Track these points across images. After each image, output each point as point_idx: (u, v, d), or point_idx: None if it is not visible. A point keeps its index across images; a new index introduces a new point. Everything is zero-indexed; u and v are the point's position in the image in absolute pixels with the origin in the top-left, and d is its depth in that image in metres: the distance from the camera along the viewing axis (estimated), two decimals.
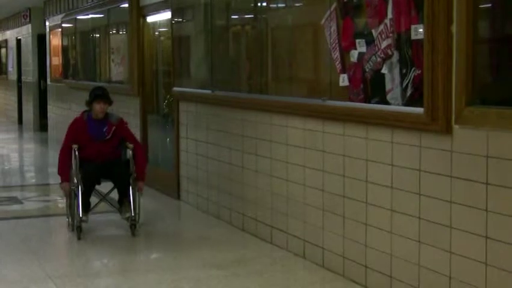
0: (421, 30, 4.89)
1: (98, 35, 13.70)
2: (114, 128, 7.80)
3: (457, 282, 4.74)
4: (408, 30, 5.04)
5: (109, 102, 7.88)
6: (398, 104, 5.19)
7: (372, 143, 5.53)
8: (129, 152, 7.78)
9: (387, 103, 5.30)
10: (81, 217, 7.46)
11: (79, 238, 7.39)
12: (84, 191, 7.59)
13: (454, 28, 4.61)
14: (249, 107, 7.39)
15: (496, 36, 4.80)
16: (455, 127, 4.67)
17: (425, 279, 5.05)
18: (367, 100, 5.57)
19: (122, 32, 12.20)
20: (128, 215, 7.65)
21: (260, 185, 7.25)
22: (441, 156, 4.80)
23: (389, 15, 5.22)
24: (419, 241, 5.07)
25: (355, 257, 5.80)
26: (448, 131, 4.71)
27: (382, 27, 5.31)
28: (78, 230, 7.44)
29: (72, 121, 8.08)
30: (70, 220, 7.87)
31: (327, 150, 6.08)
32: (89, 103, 7.88)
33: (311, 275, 6.12)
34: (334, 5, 5.92)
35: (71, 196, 7.75)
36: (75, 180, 7.59)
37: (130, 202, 7.65)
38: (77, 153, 7.64)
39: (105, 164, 7.65)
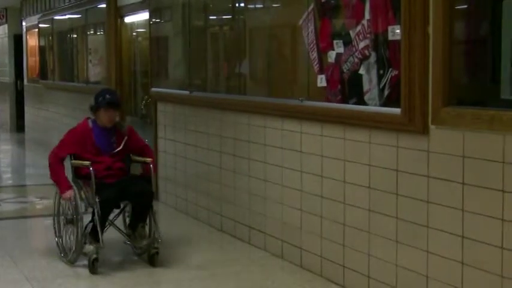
0: (398, 31, 4.92)
1: (76, 36, 13.65)
2: (125, 138, 6.56)
3: (434, 282, 4.77)
4: (385, 31, 5.07)
5: (120, 109, 6.78)
6: (375, 105, 5.22)
7: (349, 143, 5.55)
8: (151, 167, 6.59)
9: (365, 104, 5.33)
10: (100, 246, 6.24)
11: (94, 272, 6.23)
12: (101, 220, 6.28)
13: (430, 29, 4.64)
14: (227, 107, 7.39)
15: (472, 38, 4.84)
16: (432, 127, 4.70)
17: (402, 278, 5.07)
18: (344, 101, 5.59)
19: (100, 32, 12.16)
20: (145, 242, 6.41)
21: (238, 185, 7.25)
22: (418, 157, 4.83)
23: (367, 16, 5.25)
24: (396, 241, 5.10)
25: (333, 257, 5.82)
26: (424, 131, 4.74)
27: (359, 28, 5.33)
28: (94, 262, 6.23)
29: (74, 128, 6.71)
30: (63, 245, 6.70)
31: (305, 150, 6.10)
32: (95, 109, 6.54)
33: (289, 276, 6.13)
34: (312, 6, 5.94)
35: (76, 221, 6.40)
36: (94, 207, 6.28)
37: (146, 226, 6.51)
38: (93, 172, 6.26)
39: (122, 184, 6.37)
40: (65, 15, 13.82)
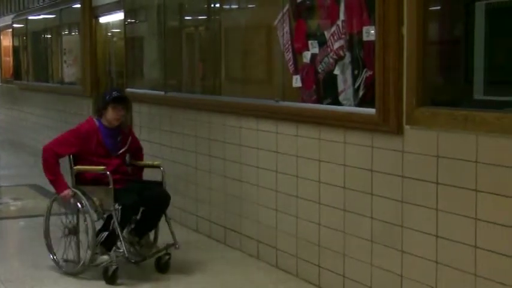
0: (372, 31, 4.94)
1: (50, 36, 13.58)
2: (130, 138, 6.33)
3: (409, 281, 4.79)
4: (360, 31, 5.09)
5: (127, 107, 6.30)
6: (350, 105, 5.24)
7: (324, 143, 5.56)
8: (161, 172, 6.27)
9: (340, 104, 5.35)
10: (125, 254, 5.87)
11: (113, 283, 5.91)
12: (122, 228, 5.90)
13: (404, 30, 4.67)
14: (202, 108, 7.39)
15: (446, 38, 4.88)
16: (407, 127, 4.72)
17: (377, 278, 5.10)
18: (319, 101, 5.61)
19: (74, 32, 12.10)
20: (154, 250, 6.13)
21: (214, 185, 7.25)
22: (393, 157, 4.85)
23: (342, 16, 5.27)
24: (371, 241, 5.12)
25: (308, 257, 5.83)
26: (399, 131, 4.77)
27: (334, 28, 5.35)
28: (115, 272, 5.90)
29: (78, 126, 6.26)
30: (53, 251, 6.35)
31: (280, 150, 6.10)
32: (103, 107, 6.16)
33: (265, 276, 6.13)
34: (287, 7, 5.95)
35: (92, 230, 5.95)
36: (113, 214, 5.83)
37: (154, 233, 6.23)
38: (110, 177, 5.85)
39: (137, 188, 6.06)
40: (39, 15, 13.74)
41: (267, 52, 6.62)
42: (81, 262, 6.05)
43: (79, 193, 6.02)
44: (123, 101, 6.19)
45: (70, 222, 6.23)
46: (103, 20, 10.78)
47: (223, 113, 6.99)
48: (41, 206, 9.06)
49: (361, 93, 5.12)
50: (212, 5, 7.66)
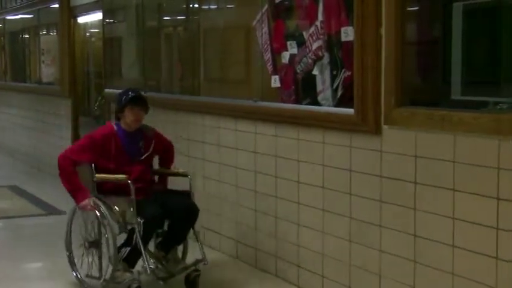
0: (351, 32, 4.95)
1: (28, 36, 13.51)
2: (153, 142, 5.78)
3: (387, 280, 4.81)
4: (338, 32, 5.11)
5: (147, 108, 5.75)
6: (329, 105, 5.25)
7: (303, 143, 5.57)
8: (189, 181, 5.76)
9: (318, 104, 5.36)
10: (148, 272, 5.36)
11: None
12: (144, 243, 5.39)
13: (382, 30, 4.69)
14: (181, 108, 7.38)
15: (424, 39, 4.91)
16: (385, 128, 4.74)
17: (356, 277, 5.11)
18: (298, 101, 5.62)
19: (53, 32, 12.05)
20: (180, 266, 5.61)
21: (193, 186, 7.23)
22: (371, 156, 4.87)
23: (320, 17, 5.28)
24: (350, 240, 5.13)
25: (287, 257, 5.84)
26: (377, 131, 4.79)
27: (313, 29, 5.37)
28: None
29: (94, 132, 5.78)
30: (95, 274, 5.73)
31: (259, 151, 6.11)
32: (121, 109, 5.66)
33: (244, 276, 6.14)
34: (265, 7, 5.96)
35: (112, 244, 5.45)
36: (136, 228, 5.31)
37: (182, 248, 5.74)
38: (132, 187, 5.36)
39: (161, 199, 5.56)
40: (17, 15, 13.66)
41: (245, 52, 6.63)
42: (102, 278, 5.61)
43: (100, 203, 5.54)
44: (140, 101, 5.69)
45: (91, 235, 5.75)
46: (81, 20, 10.74)
47: (202, 113, 6.98)
48: (18, 207, 9.08)
49: (339, 93, 5.14)
50: (191, 5, 7.66)
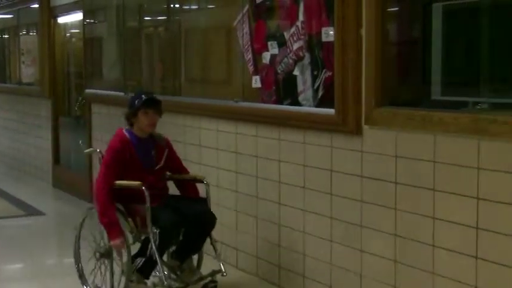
0: (331, 32, 4.97)
1: (8, 36, 13.44)
2: (166, 151, 5.51)
3: (368, 280, 4.83)
4: (319, 32, 5.12)
5: (161, 112, 5.48)
6: (310, 106, 5.26)
7: (284, 144, 5.58)
8: (205, 187, 5.52)
9: (299, 104, 5.37)
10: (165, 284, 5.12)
11: None
12: (160, 253, 5.15)
13: (363, 31, 4.70)
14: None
15: (404, 39, 4.93)
16: (365, 128, 4.76)
17: (337, 277, 5.12)
18: (279, 101, 5.62)
19: (33, 33, 11.99)
20: (197, 276, 5.36)
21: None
22: (352, 157, 4.88)
23: (301, 17, 5.29)
24: (331, 240, 5.15)
25: (268, 258, 5.84)
26: (358, 131, 4.80)
27: (293, 29, 5.37)
28: None
29: (112, 143, 5.41)
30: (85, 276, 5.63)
31: (240, 151, 6.11)
32: (132, 114, 5.39)
33: (225, 276, 6.12)
34: (246, 8, 5.96)
35: (120, 255, 5.23)
36: (151, 237, 5.08)
37: (198, 257, 5.49)
38: (147, 194, 5.10)
39: (176, 206, 5.31)
40: None
41: (226, 53, 6.62)
42: None
43: (122, 221, 5.27)
44: (155, 104, 5.40)
45: (102, 244, 5.44)
46: (61, 20, 10.69)
47: (183, 113, 6.97)
48: None
49: (320, 93, 5.15)
50: (172, 6, 7.65)
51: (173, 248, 5.39)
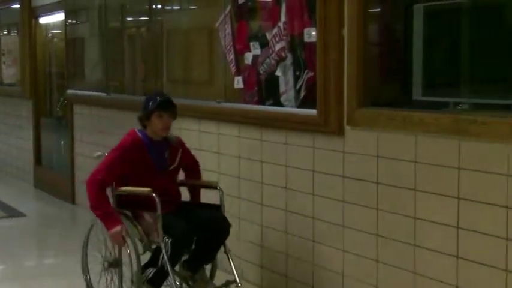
0: (313, 33, 4.98)
1: None
2: (180, 152, 5.27)
3: (350, 280, 4.84)
4: (301, 33, 5.13)
5: (176, 114, 5.17)
6: (292, 106, 5.27)
7: (266, 144, 5.59)
8: (219, 193, 5.25)
9: (281, 105, 5.37)
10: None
11: None
12: (172, 264, 4.86)
13: (345, 32, 4.72)
14: None
15: (386, 40, 4.95)
16: (347, 128, 4.77)
17: (319, 277, 5.14)
18: (261, 102, 5.63)
19: (14, 33, 11.94)
20: (210, 287, 5.15)
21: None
22: (334, 157, 4.89)
23: (283, 18, 5.30)
24: (313, 241, 5.16)
25: (251, 258, 5.84)
26: (340, 132, 4.81)
27: (276, 30, 5.38)
28: None
29: (122, 141, 5.14)
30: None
31: (222, 152, 6.11)
32: (146, 117, 5.10)
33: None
34: (228, 8, 5.96)
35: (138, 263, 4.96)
36: (163, 247, 4.79)
37: (211, 267, 5.23)
38: (158, 201, 4.84)
39: (188, 214, 5.05)
40: None
41: (209, 53, 6.62)
42: None
43: (125, 221, 5.02)
44: (170, 107, 5.11)
45: (110, 253, 5.19)
46: (43, 20, 10.65)
47: None
48: None
49: (302, 94, 5.16)
50: (154, 6, 7.64)
51: (185, 257, 5.12)
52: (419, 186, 4.24)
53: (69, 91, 9.29)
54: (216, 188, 5.28)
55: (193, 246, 5.04)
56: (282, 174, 5.41)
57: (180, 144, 5.33)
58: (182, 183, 5.39)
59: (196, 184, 5.41)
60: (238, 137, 5.90)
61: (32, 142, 10.78)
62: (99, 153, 5.43)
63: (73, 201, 9.36)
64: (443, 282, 4.12)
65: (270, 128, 5.51)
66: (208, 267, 5.22)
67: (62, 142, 10.10)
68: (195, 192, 5.44)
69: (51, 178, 10.13)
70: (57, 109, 10.57)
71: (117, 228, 4.88)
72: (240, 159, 5.90)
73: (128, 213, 5.09)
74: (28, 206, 9.34)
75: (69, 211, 9.18)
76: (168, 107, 5.08)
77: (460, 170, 3.97)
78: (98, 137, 8.53)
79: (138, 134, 5.12)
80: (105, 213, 4.93)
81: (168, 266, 4.76)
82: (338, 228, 4.90)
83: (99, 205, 4.94)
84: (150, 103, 5.08)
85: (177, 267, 5.13)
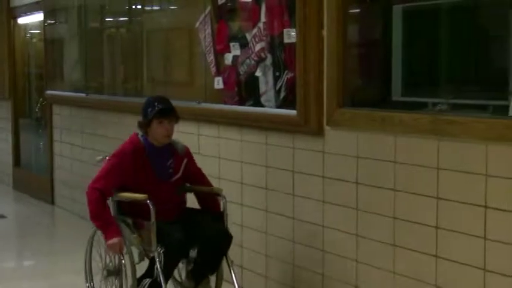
0: (293, 33, 4.98)
1: None
2: (185, 161, 5.03)
3: (330, 280, 4.85)
4: (281, 33, 5.13)
5: (177, 119, 4.99)
6: (272, 107, 5.28)
7: (246, 144, 5.59)
8: (222, 201, 5.00)
9: (261, 105, 5.38)
10: None
11: None
12: (165, 275, 4.65)
13: (324, 32, 4.73)
14: (124, 110, 7.33)
15: (366, 41, 4.97)
16: (327, 128, 4.78)
17: (299, 278, 5.14)
18: (241, 103, 5.63)
19: None
20: None
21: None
22: (314, 157, 4.90)
23: (263, 19, 5.30)
24: (293, 241, 5.16)
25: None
26: (320, 132, 4.82)
27: (255, 30, 5.39)
28: None
29: (120, 149, 4.95)
30: None
31: (203, 152, 6.10)
32: (146, 124, 4.88)
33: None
34: (208, 9, 5.96)
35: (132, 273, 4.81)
36: (156, 256, 4.61)
37: (216, 278, 4.98)
38: (152, 208, 4.64)
39: (188, 224, 4.82)
40: None
41: (189, 54, 6.61)
42: None
43: (124, 230, 4.85)
44: (170, 112, 4.89)
45: (111, 261, 5.02)
46: (22, 21, 10.60)
47: None
48: None
49: (282, 94, 5.17)
50: (133, 7, 7.62)
51: (191, 266, 4.93)
52: (398, 186, 4.26)
53: (48, 92, 9.25)
54: (219, 195, 5.02)
55: (197, 256, 4.84)
56: (262, 174, 5.42)
57: (186, 153, 5.06)
58: (186, 189, 5.13)
59: (200, 191, 5.13)
60: (218, 138, 5.90)
61: (10, 143, 10.72)
62: (100, 157, 5.28)
63: (52, 202, 9.32)
64: (422, 282, 4.14)
65: (250, 128, 5.51)
66: (213, 279, 5.02)
67: (41, 143, 10.06)
68: (204, 199, 5.15)
69: (30, 179, 10.08)
70: (36, 110, 10.53)
71: (115, 240, 4.70)
72: (220, 159, 5.89)
73: (129, 220, 4.89)
74: (7, 207, 9.30)
75: (49, 212, 9.14)
76: (167, 112, 4.86)
77: (438, 170, 3.99)
78: (77, 138, 8.50)
79: (140, 139, 4.92)
80: (104, 223, 4.76)
81: (161, 277, 4.57)
82: (318, 229, 4.90)
83: (98, 215, 4.77)
84: (149, 110, 4.85)
85: (182, 278, 5.06)
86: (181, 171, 4.96)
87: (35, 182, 9.86)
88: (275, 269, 5.38)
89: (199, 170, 5.17)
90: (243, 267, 5.72)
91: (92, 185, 4.82)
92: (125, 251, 4.80)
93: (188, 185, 5.09)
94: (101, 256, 5.09)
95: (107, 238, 4.75)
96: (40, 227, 8.39)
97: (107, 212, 4.80)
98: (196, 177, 5.13)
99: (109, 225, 4.75)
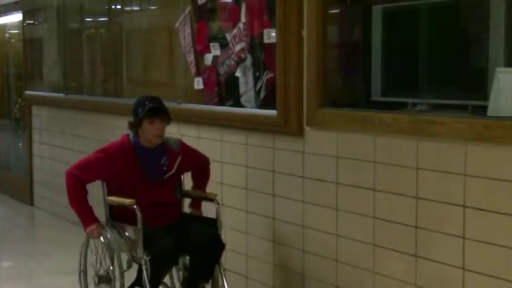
0: (273, 34, 4.99)
1: None
2: (179, 159, 4.89)
3: (311, 280, 4.86)
4: (261, 34, 5.14)
5: (168, 119, 4.85)
6: (252, 107, 5.28)
7: (226, 145, 5.59)
8: (215, 207, 4.90)
9: (241, 106, 5.38)
10: None
11: None
12: (152, 284, 4.51)
13: (304, 33, 4.73)
14: (103, 110, 7.31)
15: (346, 41, 4.98)
16: (307, 129, 4.79)
17: (279, 278, 5.14)
18: (221, 103, 5.63)
19: None
20: None
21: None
22: (294, 158, 4.91)
23: (243, 19, 5.30)
24: (273, 241, 5.16)
25: None
26: (300, 132, 4.83)
27: (235, 31, 5.38)
28: None
29: (107, 146, 4.88)
30: None
31: None
32: (136, 125, 4.79)
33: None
34: (188, 9, 5.95)
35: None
36: (143, 264, 4.49)
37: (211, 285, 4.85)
38: (139, 213, 4.51)
39: (179, 230, 4.71)
40: None
41: (169, 54, 6.60)
42: None
43: (108, 229, 4.75)
44: (161, 112, 4.78)
45: (102, 267, 4.89)
46: (0, 21, 10.54)
47: (125, 115, 6.89)
48: None
49: (262, 95, 5.17)
50: (113, 7, 7.60)
51: (185, 274, 4.86)
52: (378, 186, 4.27)
53: (27, 92, 9.20)
54: (213, 200, 4.93)
55: (190, 264, 4.77)
56: (242, 174, 5.41)
57: (181, 147, 4.95)
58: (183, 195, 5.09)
59: (193, 195, 5.09)
60: (198, 138, 5.89)
61: None
62: None
63: (31, 203, 9.28)
64: (402, 281, 4.15)
65: (230, 128, 5.51)
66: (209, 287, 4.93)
67: (20, 144, 10.01)
68: (195, 203, 5.12)
69: (9, 180, 10.02)
70: (15, 110, 10.47)
71: (92, 226, 4.69)
72: None
73: (119, 226, 4.77)
74: None
75: (28, 213, 9.10)
76: (157, 111, 4.75)
77: (418, 169, 4.00)
78: (56, 138, 8.46)
79: (131, 140, 4.81)
80: (81, 210, 4.72)
81: (147, 286, 4.45)
82: (298, 229, 4.91)
83: (76, 199, 4.71)
84: (139, 110, 4.75)
85: (176, 286, 5.01)
86: (175, 168, 4.84)
87: (14, 183, 9.81)
88: (255, 269, 5.37)
89: (199, 160, 5.09)
90: (247, 277, 5.72)
91: (71, 170, 4.74)
92: (114, 255, 4.70)
93: (184, 188, 5.06)
94: (97, 259, 4.96)
95: (84, 226, 4.73)
96: (19, 229, 8.34)
97: (83, 199, 4.72)
98: (196, 170, 5.08)
99: (85, 211, 4.72)
